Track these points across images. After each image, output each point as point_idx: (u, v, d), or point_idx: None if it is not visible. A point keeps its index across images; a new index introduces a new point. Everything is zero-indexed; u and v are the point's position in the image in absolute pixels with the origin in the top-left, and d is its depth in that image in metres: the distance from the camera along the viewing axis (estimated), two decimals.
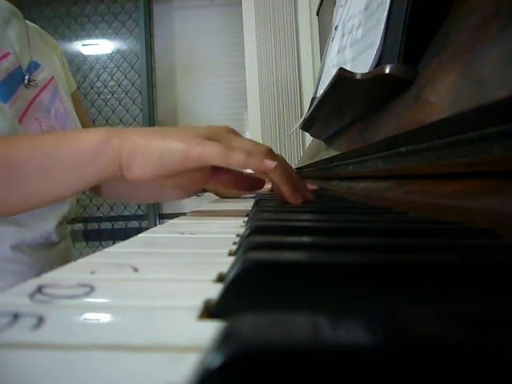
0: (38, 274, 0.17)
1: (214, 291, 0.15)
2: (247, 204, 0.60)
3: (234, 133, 0.44)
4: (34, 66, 0.64)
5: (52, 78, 0.67)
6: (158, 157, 0.39)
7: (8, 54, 0.59)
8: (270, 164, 0.39)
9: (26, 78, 0.61)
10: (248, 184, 0.50)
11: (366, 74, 0.41)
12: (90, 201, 2.28)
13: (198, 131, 0.41)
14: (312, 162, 0.92)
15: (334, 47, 0.70)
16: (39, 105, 0.62)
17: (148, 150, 0.39)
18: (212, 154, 0.38)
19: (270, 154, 0.41)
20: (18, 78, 0.60)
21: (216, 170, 0.45)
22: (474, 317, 0.10)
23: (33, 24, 0.71)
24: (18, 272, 0.58)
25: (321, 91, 0.64)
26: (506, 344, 0.08)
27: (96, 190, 0.66)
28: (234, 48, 2.21)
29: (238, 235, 0.30)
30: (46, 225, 0.62)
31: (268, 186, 0.91)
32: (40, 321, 0.12)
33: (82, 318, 0.13)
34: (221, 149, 0.38)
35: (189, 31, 2.29)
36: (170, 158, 0.39)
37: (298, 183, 0.47)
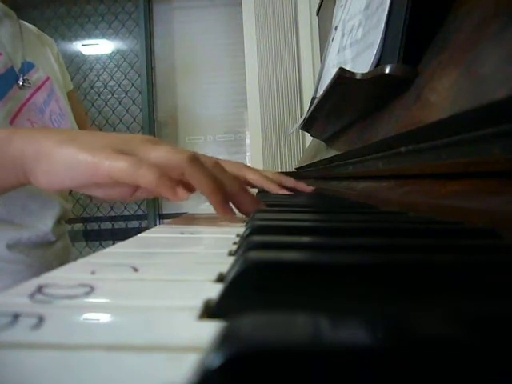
0: (36, 273, 0.17)
1: (214, 291, 0.15)
2: None
3: (152, 141, 0.38)
4: (27, 67, 0.63)
5: (47, 78, 0.67)
6: (65, 168, 0.34)
7: None
8: (182, 195, 0.34)
9: (21, 78, 0.60)
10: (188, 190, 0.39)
11: (365, 73, 0.41)
12: (90, 200, 2.28)
13: (111, 140, 0.36)
14: (312, 162, 0.92)
15: (334, 47, 0.70)
16: (33, 105, 0.62)
17: (54, 159, 0.34)
18: (120, 171, 0.33)
19: (190, 159, 0.36)
20: (10, 79, 0.59)
21: None
22: (474, 317, 0.10)
23: (29, 24, 0.70)
24: (16, 271, 0.58)
25: (321, 91, 0.64)
26: (506, 344, 0.08)
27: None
28: (234, 48, 2.22)
29: (238, 235, 0.30)
30: (42, 225, 0.62)
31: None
32: (40, 321, 0.12)
33: (81, 317, 0.13)
34: (130, 166, 0.33)
35: (189, 31, 2.29)
36: (78, 172, 0.34)
37: (236, 195, 0.41)
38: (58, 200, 0.66)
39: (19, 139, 0.36)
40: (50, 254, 0.64)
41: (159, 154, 0.35)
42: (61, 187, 0.36)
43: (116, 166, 0.33)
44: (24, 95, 0.61)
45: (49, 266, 0.62)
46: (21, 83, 0.60)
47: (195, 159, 0.36)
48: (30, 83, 0.62)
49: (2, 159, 0.36)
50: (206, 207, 0.62)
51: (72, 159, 0.34)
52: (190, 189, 0.36)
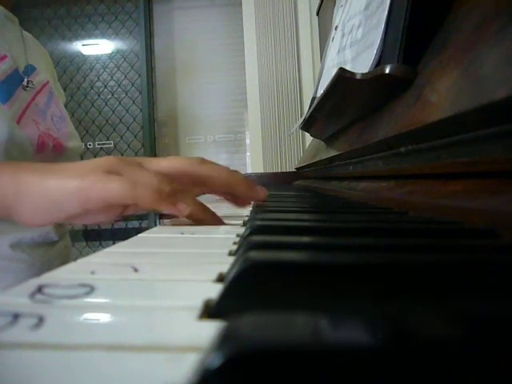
0: (38, 272, 0.17)
1: (214, 291, 0.15)
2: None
3: (141, 162, 0.37)
4: (30, 69, 0.64)
5: (47, 81, 0.68)
6: (52, 201, 0.32)
7: (5, 56, 0.59)
8: (184, 210, 0.33)
9: (26, 80, 0.61)
10: None
11: (366, 73, 0.41)
12: None
13: (98, 162, 0.34)
14: (312, 162, 0.92)
15: (334, 47, 0.70)
16: (35, 107, 0.62)
17: (38, 194, 0.33)
18: (115, 191, 0.31)
19: (204, 161, 0.36)
20: (15, 80, 0.60)
21: None
22: (475, 317, 0.10)
23: (27, 33, 0.71)
24: (18, 270, 0.58)
25: (321, 91, 0.64)
26: (506, 344, 0.08)
27: None
28: (234, 48, 2.22)
29: (238, 235, 0.30)
30: None
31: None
32: (40, 321, 0.12)
33: (81, 317, 0.13)
34: (125, 185, 0.31)
35: (189, 31, 2.29)
36: (68, 202, 0.32)
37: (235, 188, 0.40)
38: None
39: (1, 177, 0.34)
40: (51, 253, 0.65)
41: (168, 162, 0.36)
42: (46, 222, 0.34)
43: (110, 188, 0.31)
44: (27, 97, 0.61)
45: (50, 265, 0.62)
46: (25, 84, 0.61)
47: (205, 160, 0.37)
48: (33, 85, 0.63)
49: None
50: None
51: (59, 190, 0.32)
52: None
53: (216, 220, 0.38)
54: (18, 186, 0.33)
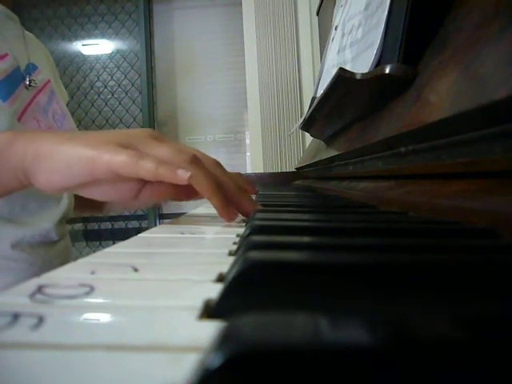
0: (38, 272, 0.17)
1: (214, 291, 0.15)
2: None
3: (156, 137, 0.37)
4: (32, 68, 0.64)
5: (48, 80, 0.68)
6: (65, 164, 0.34)
7: (6, 54, 0.59)
8: (183, 175, 0.33)
9: (28, 79, 0.61)
10: (192, 192, 0.38)
11: (366, 73, 0.41)
12: None
13: (112, 136, 0.36)
14: (312, 161, 0.92)
15: (334, 47, 0.70)
16: (37, 106, 0.63)
17: (54, 156, 0.35)
18: (120, 163, 0.33)
19: (192, 161, 0.35)
20: (17, 79, 0.60)
21: (147, 180, 0.36)
22: (474, 317, 0.10)
23: (28, 32, 0.71)
24: (18, 270, 0.58)
25: (321, 91, 0.64)
26: (506, 345, 0.08)
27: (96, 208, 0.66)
28: (234, 48, 2.22)
29: (238, 235, 0.30)
30: (45, 223, 0.63)
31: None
32: (40, 321, 0.12)
33: (81, 317, 0.13)
34: (130, 157, 0.33)
35: (189, 31, 2.29)
36: (78, 167, 0.34)
37: (236, 196, 0.39)
38: (58, 199, 0.66)
39: (21, 142, 0.36)
40: (52, 253, 0.65)
41: (162, 152, 0.35)
42: (61, 186, 0.36)
43: (116, 158, 0.33)
44: (29, 95, 0.62)
45: (50, 265, 0.62)
46: (28, 83, 0.61)
47: (197, 161, 0.36)
48: (36, 83, 0.63)
49: (4, 162, 0.36)
50: (205, 208, 0.62)
51: (72, 155, 0.34)
52: (192, 193, 0.36)
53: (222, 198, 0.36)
54: (36, 149, 0.35)
